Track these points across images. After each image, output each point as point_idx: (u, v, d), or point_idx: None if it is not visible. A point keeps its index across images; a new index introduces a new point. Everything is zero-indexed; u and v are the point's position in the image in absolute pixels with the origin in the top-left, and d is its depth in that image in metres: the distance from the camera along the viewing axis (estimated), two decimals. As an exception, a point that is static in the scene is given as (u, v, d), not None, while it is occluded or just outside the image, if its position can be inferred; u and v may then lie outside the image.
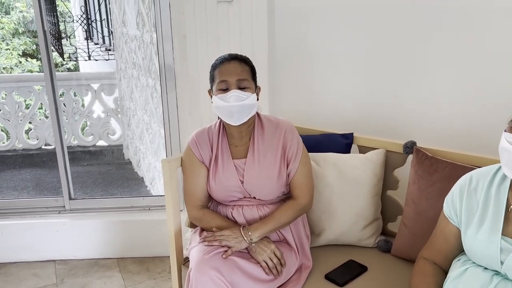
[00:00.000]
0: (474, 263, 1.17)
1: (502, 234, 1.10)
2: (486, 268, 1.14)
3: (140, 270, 2.49)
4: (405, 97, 2.01)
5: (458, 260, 1.23)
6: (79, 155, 4.65)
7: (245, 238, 1.44)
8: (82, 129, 4.73)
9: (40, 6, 2.36)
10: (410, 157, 1.69)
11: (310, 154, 1.78)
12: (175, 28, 2.32)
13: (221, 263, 1.36)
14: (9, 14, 11.43)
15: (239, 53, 1.57)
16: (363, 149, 1.86)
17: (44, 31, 2.41)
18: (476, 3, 1.74)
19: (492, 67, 1.74)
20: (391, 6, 1.95)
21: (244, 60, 1.53)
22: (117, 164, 4.65)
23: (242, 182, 1.55)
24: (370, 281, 1.55)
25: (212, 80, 1.54)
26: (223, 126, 1.60)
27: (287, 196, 1.63)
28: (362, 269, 1.61)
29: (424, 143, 1.68)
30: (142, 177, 4.13)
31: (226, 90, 1.47)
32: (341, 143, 1.88)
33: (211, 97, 1.56)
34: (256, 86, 1.55)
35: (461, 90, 1.85)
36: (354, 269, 1.60)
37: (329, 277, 1.56)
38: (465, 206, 1.19)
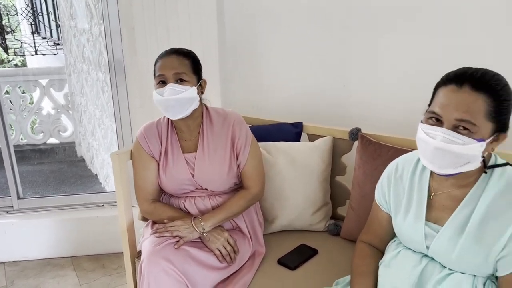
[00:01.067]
0: (406, 246, 1.24)
1: (426, 220, 1.16)
2: (415, 251, 1.20)
3: (95, 268, 2.45)
4: (352, 86, 2.09)
5: (393, 242, 1.30)
6: (28, 153, 4.48)
7: (197, 229, 1.45)
8: (32, 127, 4.56)
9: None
10: (357, 143, 1.76)
11: (261, 143, 1.82)
12: (124, 20, 2.27)
13: (172, 253, 1.37)
14: None
15: (184, 47, 1.56)
16: (312, 137, 1.92)
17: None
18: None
19: (432, 59, 1.84)
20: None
21: (184, 54, 1.51)
22: (69, 162, 4.51)
23: (193, 175, 1.56)
24: (320, 263, 1.61)
25: (154, 74, 1.53)
26: (171, 120, 1.60)
27: (239, 186, 1.66)
28: (313, 252, 1.66)
29: (370, 130, 1.76)
30: (96, 174, 4.04)
31: (164, 83, 1.47)
32: (291, 132, 1.93)
33: None
34: (199, 80, 1.54)
35: (403, 80, 1.94)
36: (305, 253, 1.66)
37: (281, 261, 1.60)
38: (393, 193, 1.25)
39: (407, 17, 1.86)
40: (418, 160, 1.22)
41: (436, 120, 1.03)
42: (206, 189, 1.59)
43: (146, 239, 1.47)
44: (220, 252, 1.47)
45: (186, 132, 1.58)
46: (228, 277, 1.48)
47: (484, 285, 1.09)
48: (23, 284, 2.31)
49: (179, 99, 1.45)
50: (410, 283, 1.14)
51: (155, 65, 1.52)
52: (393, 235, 1.31)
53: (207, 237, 1.48)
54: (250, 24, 2.24)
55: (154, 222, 1.59)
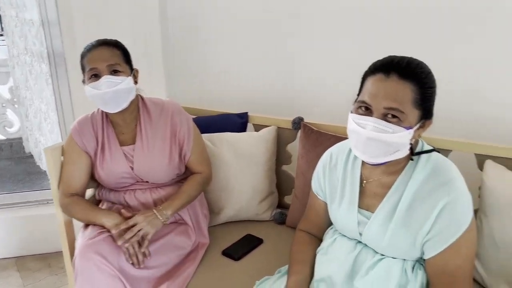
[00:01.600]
0: (341, 233, 1.26)
1: (358, 207, 1.19)
2: (350, 238, 1.23)
3: (41, 267, 2.36)
4: (299, 76, 2.09)
5: (331, 229, 1.32)
6: (-28, 151, 4.25)
7: (160, 217, 1.42)
8: (-26, 123, 4.31)
9: None
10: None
11: (206, 134, 1.81)
12: (62, 11, 2.18)
13: (106, 247, 1.33)
14: None
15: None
16: (257, 127, 1.92)
17: None
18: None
19: (373, 50, 1.86)
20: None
21: (113, 44, 1.46)
22: (17, 158, 4.31)
23: (132, 168, 1.51)
24: (265, 252, 1.62)
25: (83, 69, 1.46)
26: (106, 114, 1.54)
27: (182, 178, 1.63)
28: (258, 242, 1.67)
29: (315, 119, 1.77)
30: (45, 171, 3.87)
31: (97, 77, 1.40)
32: (237, 123, 1.92)
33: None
34: (131, 69, 1.50)
35: (346, 70, 1.96)
36: (250, 243, 1.66)
37: (225, 252, 1.60)
38: (328, 182, 1.28)
39: (351, 12, 1.88)
40: (350, 150, 1.24)
41: (366, 109, 1.05)
42: (147, 181, 1.55)
43: (80, 233, 1.42)
44: (128, 251, 1.36)
45: (123, 125, 1.53)
46: (169, 270, 1.46)
47: (413, 268, 1.13)
48: (-39, 288, 2.20)
49: (117, 91, 1.40)
50: (344, 269, 1.16)
51: (82, 59, 1.44)
52: (330, 223, 1.33)
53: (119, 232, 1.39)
54: (194, 14, 2.19)
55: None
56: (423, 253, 1.10)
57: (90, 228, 1.43)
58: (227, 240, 1.67)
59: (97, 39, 1.48)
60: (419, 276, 1.12)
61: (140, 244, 1.38)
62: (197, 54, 2.25)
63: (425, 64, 1.06)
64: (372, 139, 1.02)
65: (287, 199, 1.93)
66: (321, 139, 1.65)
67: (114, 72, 1.41)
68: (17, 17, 3.68)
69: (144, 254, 1.38)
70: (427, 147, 1.15)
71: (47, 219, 2.40)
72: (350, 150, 1.24)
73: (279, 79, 2.12)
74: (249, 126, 1.95)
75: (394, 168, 1.13)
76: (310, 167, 1.66)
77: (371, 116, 1.03)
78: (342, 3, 1.88)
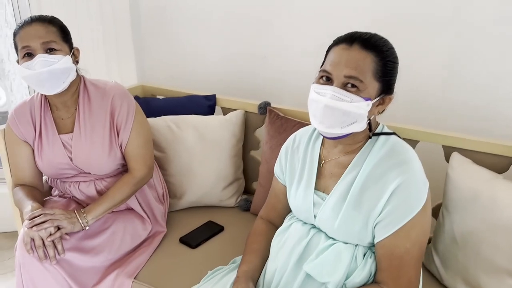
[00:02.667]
0: (298, 218, 1.22)
1: (315, 189, 1.15)
2: (306, 223, 1.19)
3: (11, 245, 2.33)
4: (271, 59, 2.01)
5: (289, 216, 1.28)
6: (-44, 125, 4.20)
7: (80, 221, 1.32)
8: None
9: None
10: (267, 117, 1.71)
11: (170, 116, 1.75)
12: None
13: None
14: None
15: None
16: (226, 111, 1.86)
17: None
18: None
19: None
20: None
21: (49, 21, 1.33)
22: (1, 132, 4.28)
23: (71, 159, 1.42)
24: (224, 240, 1.58)
25: (16, 48, 1.33)
26: (45, 97, 1.43)
27: (127, 168, 1.52)
28: (219, 229, 1.63)
29: (285, 104, 1.70)
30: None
31: (31, 56, 1.28)
32: (204, 105, 1.85)
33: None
34: (71, 49, 1.37)
35: (315, 55, 1.88)
36: (211, 230, 1.62)
37: (183, 240, 1.56)
38: (289, 164, 1.24)
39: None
40: (314, 130, 1.23)
41: (327, 79, 1.04)
42: (89, 173, 1.46)
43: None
44: (34, 241, 1.25)
45: (62, 109, 1.42)
46: (120, 259, 1.42)
47: (364, 255, 1.10)
48: None
49: (53, 71, 1.28)
50: (295, 254, 1.13)
51: (14, 36, 1.31)
52: (289, 210, 1.29)
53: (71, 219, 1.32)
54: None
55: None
56: (373, 236, 1.07)
57: None
58: (187, 227, 1.63)
59: (30, 16, 1.34)
60: (368, 264, 1.09)
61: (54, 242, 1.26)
62: (168, 34, 2.17)
63: (388, 40, 1.05)
64: (329, 107, 1.00)
65: (255, 185, 1.88)
66: (286, 125, 1.59)
67: (50, 51, 1.29)
68: (-4, -13, 3.58)
69: (56, 249, 1.26)
70: (387, 130, 1.12)
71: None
72: (313, 132, 1.22)
73: (252, 61, 2.04)
74: (218, 109, 1.88)
75: (351, 147, 1.11)
76: (273, 154, 1.61)
77: (331, 85, 1.01)
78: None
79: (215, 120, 1.75)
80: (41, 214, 1.26)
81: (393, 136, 1.11)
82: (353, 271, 1.08)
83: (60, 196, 1.51)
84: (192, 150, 1.71)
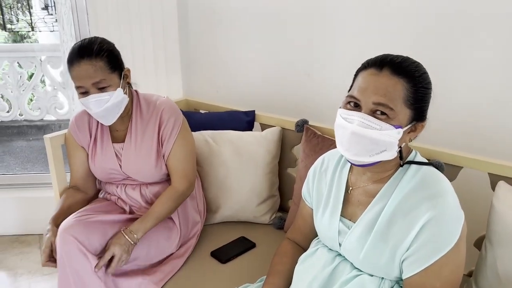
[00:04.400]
0: (324, 244, 1.19)
1: (341, 215, 1.11)
2: (331, 249, 1.15)
3: (60, 246, 2.47)
4: (314, 78, 1.99)
5: (317, 239, 1.25)
6: (25, 129, 4.54)
7: (131, 241, 1.37)
8: (29, 103, 4.60)
9: None
10: (305, 135, 1.69)
11: (207, 131, 1.78)
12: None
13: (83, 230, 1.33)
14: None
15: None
16: (264, 127, 1.86)
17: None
18: None
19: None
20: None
21: (96, 55, 1.35)
22: (64, 139, 4.56)
23: (121, 166, 1.51)
24: (254, 257, 1.57)
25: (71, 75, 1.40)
26: None
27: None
28: (251, 245, 1.62)
29: (325, 123, 1.67)
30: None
31: (85, 94, 1.37)
32: (243, 121, 1.87)
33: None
34: (121, 74, 1.42)
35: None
36: (242, 246, 1.62)
37: (214, 254, 1.57)
38: (316, 188, 1.20)
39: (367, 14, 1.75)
40: (342, 155, 1.15)
41: (355, 105, 0.99)
42: (136, 180, 1.54)
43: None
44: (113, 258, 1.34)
45: (117, 123, 1.49)
46: (150, 266, 1.45)
47: None
48: (-12, 259, 2.36)
49: (108, 108, 1.38)
50: (319, 281, 1.09)
51: (68, 70, 1.38)
52: (316, 233, 1.25)
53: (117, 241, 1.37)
54: (212, 11, 2.16)
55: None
56: (401, 271, 1.00)
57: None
58: (219, 241, 1.64)
59: (80, 40, 1.41)
60: None
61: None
62: (213, 51, 2.22)
63: (421, 65, 0.99)
64: (356, 134, 0.96)
65: (290, 203, 1.85)
66: (322, 144, 1.56)
67: (101, 89, 1.36)
68: (65, 4, 3.86)
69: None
70: (420, 158, 1.06)
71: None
72: (341, 156, 1.17)
73: (292, 79, 2.03)
74: (257, 125, 1.89)
75: (381, 175, 1.06)
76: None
77: (360, 112, 0.96)
78: (361, 11, 1.76)
79: (251, 136, 1.76)
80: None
81: (426, 166, 1.03)
82: None
83: (105, 199, 1.59)
84: (228, 165, 1.72)
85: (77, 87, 1.38)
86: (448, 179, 1.03)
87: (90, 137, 1.54)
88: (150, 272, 1.42)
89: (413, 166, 1.03)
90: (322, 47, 1.93)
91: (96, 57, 1.35)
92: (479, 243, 1.38)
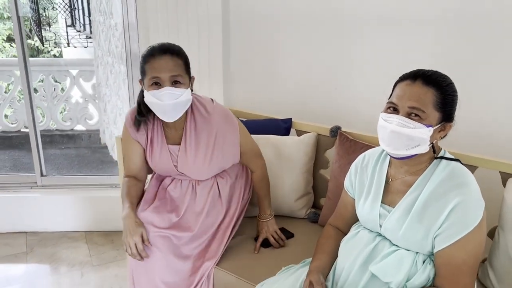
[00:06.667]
0: (365, 227, 1.41)
1: (382, 202, 1.34)
2: (372, 231, 1.38)
3: (105, 242, 2.70)
4: (343, 90, 2.25)
5: (356, 224, 1.47)
6: (57, 138, 4.80)
7: (268, 219, 1.80)
8: (61, 114, 4.88)
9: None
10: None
11: (253, 135, 2.00)
12: (141, 17, 2.48)
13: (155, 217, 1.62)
14: (-7, -2, 11.41)
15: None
16: (299, 133, 2.10)
17: (18, 17, 2.58)
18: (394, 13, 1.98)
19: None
20: (336, 10, 2.17)
21: (177, 53, 1.49)
22: (93, 148, 4.81)
23: (176, 166, 1.67)
24: (295, 245, 1.79)
25: (143, 73, 1.50)
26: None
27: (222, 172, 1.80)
28: (290, 235, 1.85)
29: (352, 129, 1.92)
30: (117, 161, 4.32)
31: (158, 85, 1.45)
32: (281, 127, 2.11)
33: (142, 87, 1.55)
34: (190, 78, 1.55)
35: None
36: (283, 235, 1.84)
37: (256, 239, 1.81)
38: (358, 180, 1.43)
39: (391, 24, 2.01)
40: (382, 152, 1.41)
41: (394, 109, 1.23)
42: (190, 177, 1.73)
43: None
44: (273, 237, 1.77)
45: (172, 126, 1.62)
46: (203, 245, 1.69)
47: (423, 262, 1.25)
48: (41, 252, 2.59)
49: (177, 104, 1.47)
50: (362, 256, 1.31)
51: (144, 63, 1.48)
52: (356, 219, 1.47)
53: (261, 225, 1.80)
54: (253, 26, 2.43)
55: None
56: (433, 246, 1.23)
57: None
58: (262, 231, 1.87)
59: (160, 42, 1.53)
60: (427, 270, 1.24)
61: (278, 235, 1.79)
62: (252, 64, 2.48)
63: (448, 77, 1.24)
64: (395, 132, 1.19)
65: (322, 201, 2.08)
66: (354, 147, 1.80)
67: (175, 83, 1.46)
68: (104, 23, 4.16)
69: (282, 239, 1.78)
70: (448, 155, 1.29)
71: (114, 201, 2.73)
72: (381, 153, 1.41)
73: (326, 90, 2.29)
74: (292, 131, 2.13)
75: (416, 168, 1.28)
76: (341, 172, 1.81)
77: (397, 114, 1.21)
78: (386, 22, 2.02)
79: (290, 140, 2.00)
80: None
81: (454, 162, 1.26)
82: (413, 275, 1.24)
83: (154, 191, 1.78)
84: (270, 164, 1.95)
85: (153, 78, 1.45)
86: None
87: (146, 137, 1.65)
88: (204, 253, 1.66)
89: (444, 161, 1.26)
90: (350, 65, 2.19)
91: (178, 56, 1.49)
92: (492, 233, 1.59)
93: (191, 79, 1.58)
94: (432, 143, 1.24)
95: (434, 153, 1.27)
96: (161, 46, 1.50)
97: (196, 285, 1.59)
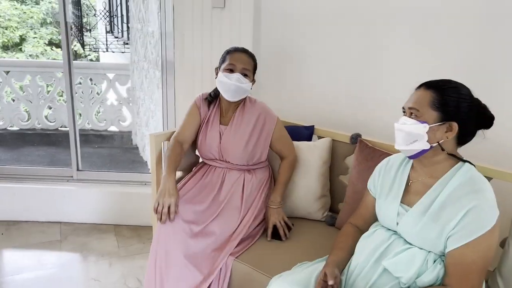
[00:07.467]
0: (383, 226, 1.50)
1: (401, 202, 1.43)
2: (389, 229, 1.47)
3: (133, 235, 2.86)
4: (366, 99, 2.34)
5: (374, 224, 1.56)
6: (91, 138, 5.05)
7: (277, 206, 1.94)
8: (96, 115, 5.13)
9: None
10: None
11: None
12: (177, 27, 2.65)
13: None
14: (39, 4, 12.01)
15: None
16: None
17: (66, 23, 2.79)
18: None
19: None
20: (363, 22, 2.28)
21: (252, 57, 1.97)
22: (125, 148, 5.02)
23: (220, 143, 1.97)
24: (310, 245, 1.89)
25: (222, 61, 1.94)
26: (220, 98, 2.02)
27: (253, 168, 2.01)
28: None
29: (372, 137, 2.01)
30: (146, 161, 4.50)
31: (231, 71, 1.88)
32: (304, 134, 2.22)
33: (217, 74, 1.96)
34: (253, 78, 1.97)
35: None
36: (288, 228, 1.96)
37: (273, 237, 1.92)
38: (381, 181, 1.53)
39: (411, 34, 2.10)
40: (405, 157, 1.51)
41: (404, 112, 1.41)
42: (225, 160, 1.97)
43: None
44: (280, 224, 1.90)
45: (227, 109, 2.00)
46: (225, 241, 1.82)
47: (434, 261, 1.33)
48: (73, 240, 2.77)
49: (240, 88, 1.88)
50: (376, 253, 1.40)
51: (226, 54, 1.93)
52: (375, 219, 1.56)
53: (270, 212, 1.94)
54: (282, 41, 2.56)
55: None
56: (445, 246, 1.30)
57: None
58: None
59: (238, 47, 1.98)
60: (437, 269, 1.31)
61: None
62: (280, 75, 2.60)
63: (454, 82, 1.36)
64: (398, 130, 1.39)
65: (340, 206, 2.16)
66: (373, 154, 1.89)
67: (244, 75, 1.89)
68: (141, 30, 4.40)
69: (288, 227, 1.92)
70: (468, 160, 1.38)
71: (142, 198, 2.90)
72: (404, 158, 1.52)
73: (348, 99, 2.38)
74: (314, 137, 2.23)
75: (436, 172, 1.38)
76: (360, 177, 1.90)
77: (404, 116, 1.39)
78: (406, 32, 2.11)
79: (306, 145, 2.12)
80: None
81: (473, 169, 1.35)
82: (423, 272, 1.31)
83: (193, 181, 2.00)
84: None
85: (230, 64, 1.88)
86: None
87: (206, 115, 2.02)
88: (225, 246, 1.79)
89: (465, 167, 1.35)
90: (374, 77, 2.28)
91: (252, 58, 1.97)
92: (503, 243, 1.64)
93: (253, 81, 1.98)
94: (438, 142, 1.33)
95: (441, 147, 1.34)
96: (242, 47, 1.99)
97: (218, 265, 1.73)
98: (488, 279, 1.63)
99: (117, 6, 7.05)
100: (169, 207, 1.73)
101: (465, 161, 1.37)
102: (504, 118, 1.91)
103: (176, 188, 1.79)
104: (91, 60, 11.42)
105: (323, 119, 2.38)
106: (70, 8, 7.65)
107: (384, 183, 1.52)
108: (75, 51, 10.71)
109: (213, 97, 2.04)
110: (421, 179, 1.41)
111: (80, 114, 5.02)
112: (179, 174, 2.18)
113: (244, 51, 1.96)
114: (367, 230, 1.56)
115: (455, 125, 1.32)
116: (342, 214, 1.99)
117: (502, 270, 1.56)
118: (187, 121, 2.03)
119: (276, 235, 1.90)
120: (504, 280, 1.54)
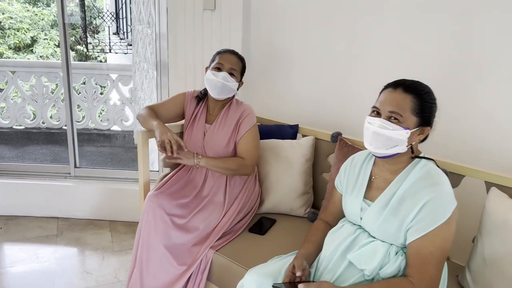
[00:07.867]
0: (349, 221, 1.55)
1: (364, 197, 1.48)
2: (354, 224, 1.52)
3: (127, 231, 2.94)
4: (349, 99, 2.39)
5: (342, 219, 1.61)
6: (94, 137, 5.15)
7: (195, 160, 1.92)
8: (99, 115, 5.24)
9: (62, 1, 2.85)
10: (338, 145, 2.07)
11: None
12: (171, 28, 2.72)
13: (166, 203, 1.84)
14: (50, 6, 12.22)
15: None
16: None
17: (64, 24, 2.89)
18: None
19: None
20: (348, 27, 2.33)
21: (241, 58, 2.04)
22: (127, 147, 5.12)
23: (203, 139, 2.03)
24: (290, 239, 1.94)
25: (212, 61, 2.02)
26: (208, 97, 2.09)
27: None
28: (272, 221, 2.07)
29: (357, 137, 2.06)
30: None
31: (219, 70, 1.96)
32: (289, 132, 2.28)
33: (206, 72, 2.02)
34: (240, 80, 2.04)
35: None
36: (269, 222, 2.05)
37: (252, 230, 1.99)
38: (347, 178, 1.58)
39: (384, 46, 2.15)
40: (369, 153, 1.56)
41: (377, 113, 1.39)
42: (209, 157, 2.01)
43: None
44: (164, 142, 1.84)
45: (213, 108, 2.07)
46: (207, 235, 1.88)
47: (396, 253, 1.38)
48: (69, 235, 2.86)
49: (226, 86, 1.95)
50: (342, 247, 1.45)
51: (216, 55, 2.01)
52: (343, 214, 1.61)
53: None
54: (269, 45, 2.62)
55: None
56: (405, 239, 1.35)
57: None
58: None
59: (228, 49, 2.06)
60: (399, 261, 1.36)
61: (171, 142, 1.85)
62: (268, 75, 2.66)
63: (427, 86, 1.39)
64: (376, 133, 1.35)
65: (323, 202, 2.21)
66: (352, 152, 1.92)
67: (231, 74, 1.96)
68: (142, 31, 4.48)
69: (179, 147, 1.86)
70: (427, 156, 1.43)
71: (138, 194, 2.96)
72: (368, 154, 1.56)
73: (331, 102, 2.43)
74: (299, 136, 2.29)
75: (396, 167, 1.43)
76: (339, 174, 1.95)
77: (380, 118, 1.36)
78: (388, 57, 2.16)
79: (289, 143, 2.18)
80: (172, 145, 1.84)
81: (430, 163, 1.40)
82: (385, 264, 1.37)
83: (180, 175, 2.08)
84: (269, 165, 2.14)
85: (218, 63, 1.96)
86: (452, 186, 1.37)
87: (192, 114, 2.08)
88: (206, 240, 1.85)
89: (421, 163, 1.40)
90: (356, 78, 2.33)
91: (240, 60, 2.04)
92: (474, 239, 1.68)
93: (241, 82, 2.05)
94: (411, 145, 1.37)
95: (413, 153, 1.40)
96: (232, 50, 2.07)
97: (198, 258, 1.80)
98: (458, 275, 1.68)
99: (120, 8, 7.18)
100: (174, 142, 1.82)
101: (425, 158, 1.41)
102: (476, 109, 1.96)
103: (168, 128, 1.91)
104: (100, 61, 11.58)
105: (308, 119, 2.44)
106: (78, 11, 7.82)
107: (349, 180, 1.57)
108: (86, 52, 10.87)
109: (203, 95, 2.11)
110: (383, 175, 1.46)
111: (84, 116, 5.13)
112: (166, 170, 2.26)
113: (233, 53, 2.02)
114: (336, 224, 1.62)
115: (427, 129, 1.38)
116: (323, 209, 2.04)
117: (470, 264, 1.60)
118: (167, 103, 2.12)
119: (256, 229, 1.96)
120: (472, 274, 1.58)
